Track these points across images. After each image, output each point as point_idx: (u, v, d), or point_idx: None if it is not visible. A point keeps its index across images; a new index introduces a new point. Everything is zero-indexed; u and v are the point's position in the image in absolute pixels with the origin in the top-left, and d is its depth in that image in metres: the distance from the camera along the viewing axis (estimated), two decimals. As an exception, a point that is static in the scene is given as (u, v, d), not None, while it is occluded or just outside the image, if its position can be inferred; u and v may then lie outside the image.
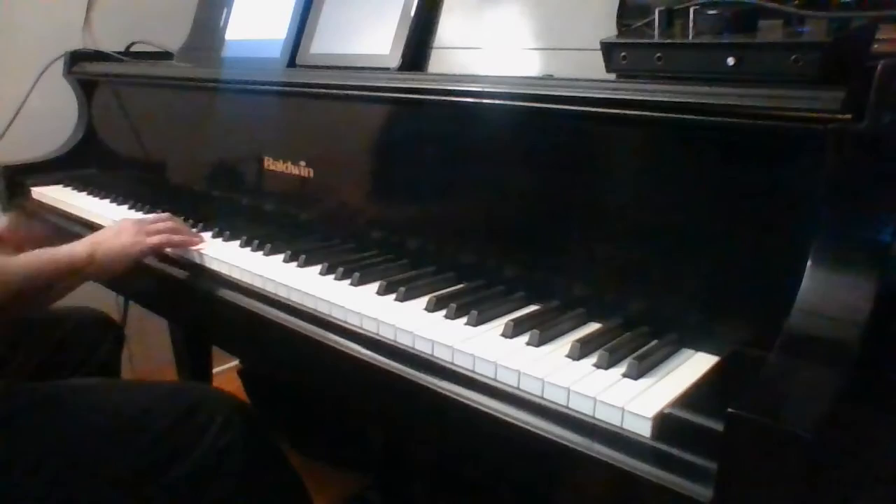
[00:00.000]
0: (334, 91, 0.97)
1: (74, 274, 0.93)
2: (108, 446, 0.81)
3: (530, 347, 0.68)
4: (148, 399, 0.88)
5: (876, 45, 0.66)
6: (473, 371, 0.66)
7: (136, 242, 0.98)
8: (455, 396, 0.64)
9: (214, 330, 1.06)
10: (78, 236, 1.19)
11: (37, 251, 0.93)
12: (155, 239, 0.99)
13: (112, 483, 0.79)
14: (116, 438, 0.82)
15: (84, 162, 1.54)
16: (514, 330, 0.70)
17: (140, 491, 0.80)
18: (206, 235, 1.09)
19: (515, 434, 0.60)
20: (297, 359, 0.84)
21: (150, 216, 1.07)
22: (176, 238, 1.01)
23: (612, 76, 0.71)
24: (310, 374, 0.85)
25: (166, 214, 1.08)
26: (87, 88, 1.53)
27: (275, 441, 0.94)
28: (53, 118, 1.54)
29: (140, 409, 0.86)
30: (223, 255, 0.98)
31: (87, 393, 0.89)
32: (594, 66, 0.73)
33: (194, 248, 1.02)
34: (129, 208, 1.29)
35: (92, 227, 1.23)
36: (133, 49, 1.57)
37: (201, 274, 0.98)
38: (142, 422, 0.83)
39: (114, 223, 1.04)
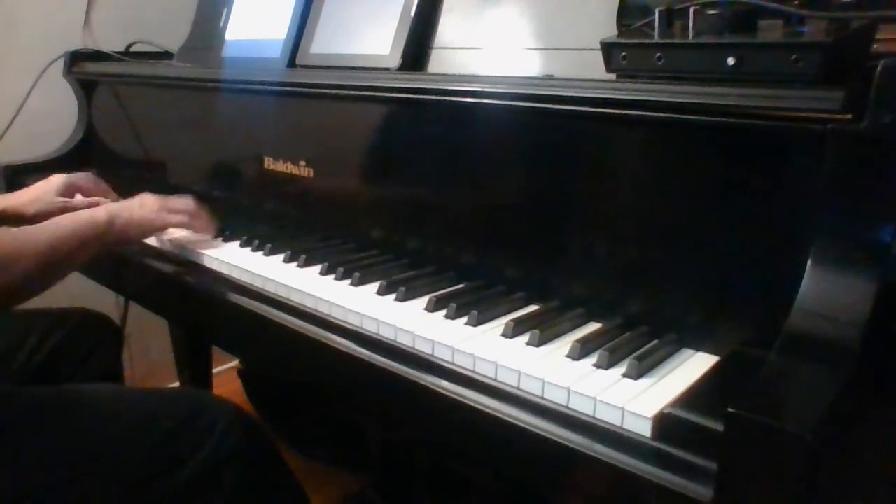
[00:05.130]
0: (334, 91, 0.97)
1: (94, 240, 0.92)
2: (108, 452, 0.81)
3: (530, 347, 0.68)
4: (149, 405, 0.88)
5: (876, 45, 0.66)
6: (473, 371, 0.66)
7: (157, 217, 0.99)
8: (455, 396, 0.64)
9: (214, 330, 1.06)
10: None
11: (56, 219, 0.92)
12: (175, 218, 1.01)
13: (112, 489, 0.79)
14: (117, 444, 0.82)
15: (84, 162, 1.53)
16: (514, 330, 0.70)
17: (140, 497, 0.80)
18: (207, 235, 1.09)
19: (515, 434, 0.60)
20: (297, 359, 0.84)
21: (173, 196, 1.07)
22: (196, 222, 1.03)
23: (612, 76, 0.71)
24: (310, 375, 0.85)
25: (189, 196, 1.08)
26: (87, 88, 1.53)
27: (275, 447, 0.94)
28: (53, 118, 1.54)
29: (141, 415, 0.86)
30: (223, 254, 0.98)
31: (89, 398, 0.89)
32: (594, 66, 0.73)
33: (198, 247, 1.02)
34: (129, 208, 1.29)
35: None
36: (133, 49, 1.57)
37: (201, 274, 0.98)
38: (142, 428, 0.83)
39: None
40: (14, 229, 0.88)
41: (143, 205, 1.00)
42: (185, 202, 1.05)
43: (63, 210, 1.14)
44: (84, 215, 0.93)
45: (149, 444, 0.82)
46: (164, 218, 1.00)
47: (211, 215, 1.07)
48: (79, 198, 1.21)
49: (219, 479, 0.83)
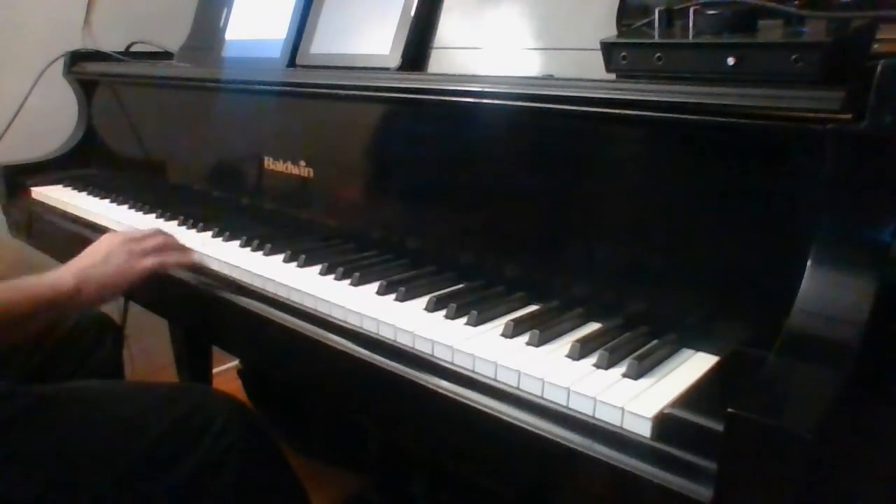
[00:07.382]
0: (334, 91, 0.97)
1: (57, 307, 0.87)
2: (108, 447, 0.81)
3: (530, 347, 0.68)
4: (148, 400, 0.88)
5: (876, 45, 0.66)
6: (473, 371, 0.66)
7: (129, 267, 0.92)
8: (455, 396, 0.64)
9: (214, 330, 1.06)
10: (78, 236, 1.20)
11: (15, 281, 0.85)
12: (149, 262, 0.94)
13: (112, 484, 0.79)
14: (116, 440, 0.82)
15: (84, 162, 1.54)
16: (514, 330, 0.70)
17: (140, 492, 0.80)
18: (207, 235, 1.09)
19: (515, 434, 0.60)
20: (296, 359, 0.84)
21: (138, 232, 0.99)
22: (170, 259, 0.97)
23: (612, 76, 0.71)
24: (309, 375, 0.85)
25: (155, 228, 1.02)
26: (87, 88, 1.53)
27: (274, 442, 0.94)
28: (53, 118, 1.54)
29: (140, 410, 0.86)
30: (223, 255, 0.97)
31: (87, 394, 0.89)
32: (594, 66, 0.73)
33: (198, 247, 1.00)
34: (129, 208, 1.29)
35: (92, 228, 1.23)
36: (133, 49, 1.57)
37: (201, 274, 0.98)
38: (142, 423, 0.83)
39: (98, 241, 0.95)
40: None
41: (109, 256, 0.91)
42: (153, 239, 0.97)
43: None
44: (45, 282, 0.86)
45: (148, 440, 0.82)
46: (137, 267, 0.92)
47: (179, 242, 1.01)
48: None
49: (219, 472, 0.83)
